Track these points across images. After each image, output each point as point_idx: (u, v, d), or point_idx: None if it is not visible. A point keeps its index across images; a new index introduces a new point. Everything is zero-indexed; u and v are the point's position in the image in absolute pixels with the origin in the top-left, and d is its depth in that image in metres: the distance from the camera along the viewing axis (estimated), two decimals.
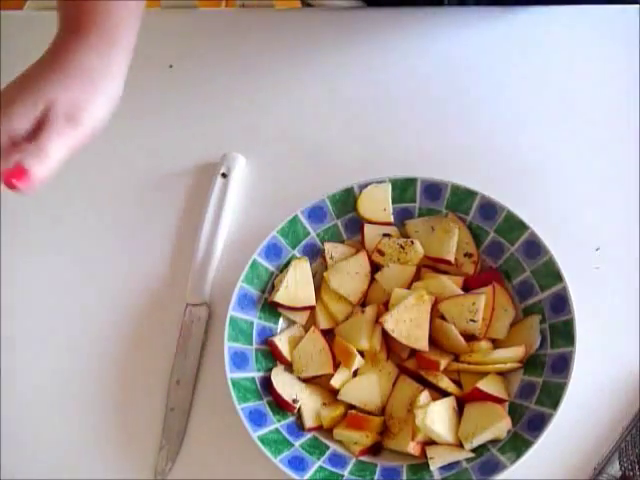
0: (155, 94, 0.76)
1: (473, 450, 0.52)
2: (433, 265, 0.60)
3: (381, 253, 0.59)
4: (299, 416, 0.56)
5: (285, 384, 0.56)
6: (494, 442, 0.52)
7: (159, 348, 0.62)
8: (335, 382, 0.55)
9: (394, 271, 0.58)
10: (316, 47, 0.77)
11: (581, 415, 0.54)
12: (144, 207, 0.70)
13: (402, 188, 0.61)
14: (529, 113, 0.69)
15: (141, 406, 0.60)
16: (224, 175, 0.68)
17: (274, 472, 0.54)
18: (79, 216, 0.71)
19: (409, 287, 0.58)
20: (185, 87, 0.77)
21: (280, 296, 0.58)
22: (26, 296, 0.67)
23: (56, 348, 0.64)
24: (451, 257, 0.58)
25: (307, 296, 0.59)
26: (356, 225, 0.62)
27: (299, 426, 0.56)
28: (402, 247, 0.58)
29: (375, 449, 0.55)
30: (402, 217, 0.61)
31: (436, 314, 0.56)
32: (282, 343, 0.58)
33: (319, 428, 0.56)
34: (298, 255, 0.61)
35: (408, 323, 0.54)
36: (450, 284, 0.56)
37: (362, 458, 0.54)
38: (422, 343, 0.54)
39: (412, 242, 0.58)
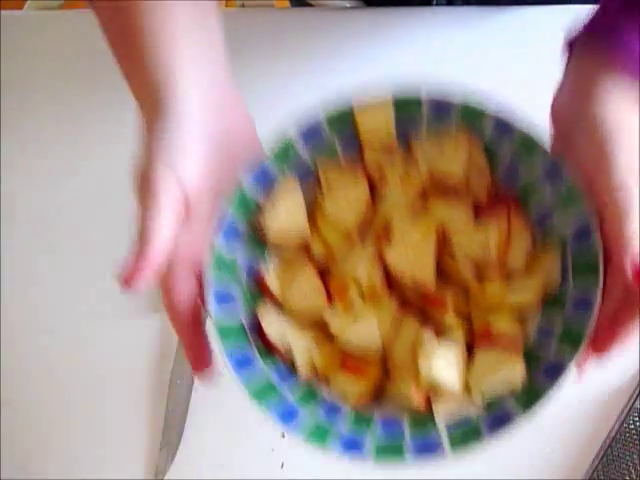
0: None
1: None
2: (441, 186, 0.52)
3: (383, 179, 0.52)
4: (291, 363, 0.50)
5: (275, 325, 0.50)
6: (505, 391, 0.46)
7: (159, 348, 0.62)
8: (330, 324, 0.49)
9: (396, 197, 0.51)
10: (316, 47, 0.77)
11: (580, 416, 0.54)
12: None
13: (406, 107, 0.52)
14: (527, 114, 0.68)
15: (141, 406, 0.60)
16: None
17: (274, 472, 0.54)
18: (78, 216, 0.71)
19: (413, 214, 0.51)
20: None
21: (269, 228, 0.51)
22: (26, 295, 0.67)
23: (56, 348, 0.64)
24: (459, 172, 0.50)
25: (299, 227, 0.52)
26: (353, 142, 0.53)
27: (290, 373, 0.50)
28: (405, 170, 0.52)
29: (375, 395, 0.49)
30: (406, 137, 0.53)
31: (444, 250, 0.50)
32: (271, 280, 0.51)
33: (314, 375, 0.50)
34: (287, 176, 0.53)
35: (412, 257, 0.48)
36: (460, 208, 0.50)
37: (360, 410, 0.48)
38: (426, 273, 0.48)
39: (416, 162, 0.51)
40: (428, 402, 0.47)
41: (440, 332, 0.48)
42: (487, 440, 0.44)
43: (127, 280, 0.41)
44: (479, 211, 0.51)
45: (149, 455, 0.58)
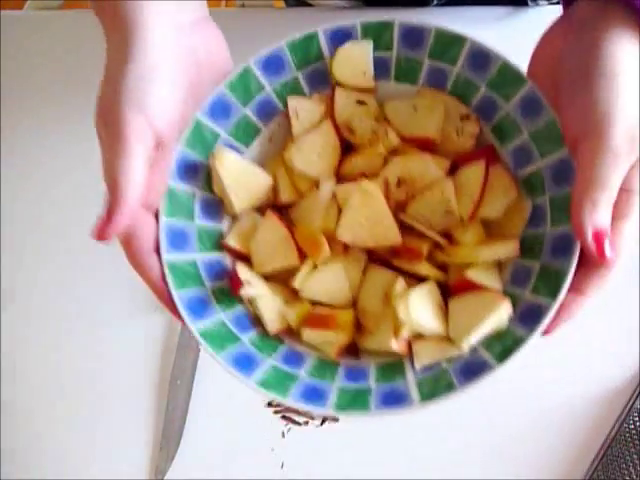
0: None
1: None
2: (415, 144, 0.49)
3: (351, 131, 0.49)
4: (255, 314, 0.47)
5: (242, 273, 0.46)
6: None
7: (159, 348, 0.62)
8: (297, 280, 0.46)
9: (361, 163, 0.49)
10: None
11: (580, 416, 0.54)
12: None
13: (376, 34, 0.50)
14: None
15: (141, 406, 0.60)
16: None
17: (274, 472, 0.54)
18: (78, 216, 0.71)
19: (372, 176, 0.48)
20: None
21: (233, 203, 0.48)
22: (26, 296, 0.67)
23: (56, 348, 0.64)
24: (434, 134, 0.48)
25: (258, 187, 0.49)
26: (321, 78, 0.51)
27: (252, 323, 0.47)
28: (374, 131, 0.49)
29: (355, 351, 0.46)
30: (376, 71, 0.50)
31: (404, 217, 0.47)
32: (235, 242, 0.48)
33: (286, 331, 0.47)
34: (249, 114, 0.50)
35: (366, 224, 0.45)
36: (422, 163, 0.47)
37: (325, 361, 0.46)
38: (392, 236, 0.45)
39: (386, 131, 0.48)
40: (410, 348, 0.44)
41: (410, 278, 0.46)
42: (459, 390, 0.41)
43: (101, 232, 0.40)
44: (456, 163, 0.48)
45: (149, 455, 0.58)
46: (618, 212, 0.39)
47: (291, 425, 0.58)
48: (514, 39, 0.63)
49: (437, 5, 0.75)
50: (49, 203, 0.69)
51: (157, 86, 0.42)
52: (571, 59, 0.42)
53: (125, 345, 0.63)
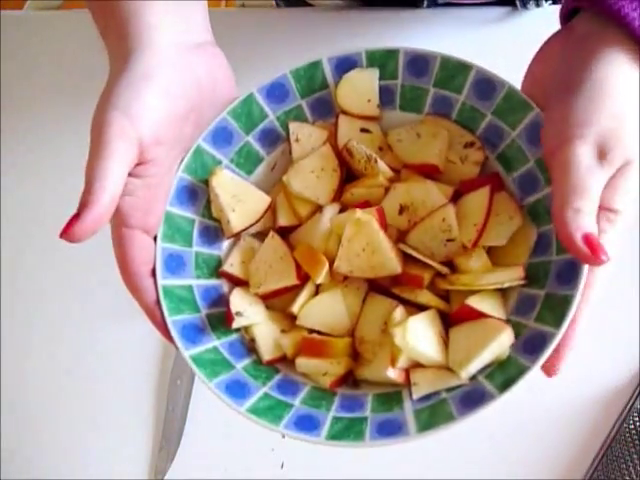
0: None
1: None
2: (417, 171, 0.49)
3: (350, 153, 0.48)
4: (250, 340, 0.47)
5: (237, 300, 0.46)
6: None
7: (159, 348, 0.62)
8: (295, 305, 0.45)
9: (362, 192, 0.48)
10: (316, 46, 0.77)
11: (580, 416, 0.54)
12: None
13: (381, 62, 0.49)
14: None
15: (141, 406, 0.60)
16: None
17: (274, 472, 0.54)
18: None
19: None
20: None
21: (232, 227, 0.47)
22: (26, 296, 0.67)
23: (56, 348, 0.64)
24: (436, 160, 0.47)
25: (256, 209, 0.48)
26: (325, 107, 0.51)
27: (246, 350, 0.46)
28: (368, 158, 0.48)
29: (352, 380, 0.45)
30: (381, 99, 0.50)
31: (404, 247, 0.45)
32: (233, 268, 0.48)
33: (281, 360, 0.46)
34: (251, 141, 0.49)
35: (363, 255, 0.44)
36: (429, 189, 0.46)
37: (320, 390, 0.45)
38: (390, 266, 0.43)
39: (376, 160, 0.47)
40: (407, 377, 0.43)
41: (411, 307, 0.44)
42: (458, 420, 0.39)
43: (68, 231, 0.39)
44: (460, 190, 0.47)
45: (149, 455, 0.58)
46: (601, 228, 0.37)
47: None
48: (510, 41, 0.63)
49: (430, 6, 0.74)
50: (49, 203, 0.69)
51: (148, 93, 0.41)
52: (561, 73, 0.42)
53: (125, 345, 0.63)
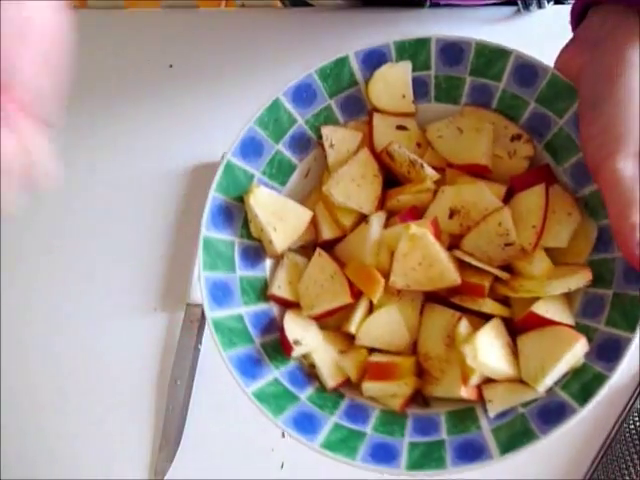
0: (155, 94, 0.76)
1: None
2: (463, 171, 0.46)
3: (391, 157, 0.45)
4: (311, 367, 0.44)
5: (291, 326, 0.43)
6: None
7: (159, 348, 0.62)
8: (352, 324, 0.43)
9: (409, 199, 0.45)
10: (317, 47, 0.77)
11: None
12: (144, 207, 0.70)
13: (412, 53, 0.46)
14: None
15: (141, 406, 0.60)
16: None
17: (274, 472, 0.54)
18: (78, 216, 0.71)
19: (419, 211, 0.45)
20: (185, 87, 0.77)
21: (274, 246, 0.44)
22: (26, 296, 0.67)
23: (56, 348, 0.64)
24: (485, 160, 0.44)
25: (298, 224, 0.45)
26: (355, 105, 0.48)
27: (306, 377, 0.44)
28: (412, 163, 0.45)
29: (422, 399, 0.43)
30: (414, 92, 0.47)
31: (460, 254, 0.43)
32: (281, 290, 0.45)
33: (345, 384, 0.43)
34: (282, 149, 0.46)
35: (419, 268, 0.41)
36: (480, 190, 0.43)
37: (392, 415, 0.42)
38: (449, 277, 0.41)
39: (422, 165, 0.44)
40: (480, 393, 0.40)
41: (471, 314, 0.42)
42: (542, 438, 0.37)
43: None
44: (512, 188, 0.44)
45: (149, 455, 0.58)
46: None
47: None
48: (513, 42, 0.63)
49: (432, 7, 0.74)
50: (48, 203, 0.69)
51: None
52: (588, 84, 0.40)
53: (125, 345, 0.62)
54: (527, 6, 0.69)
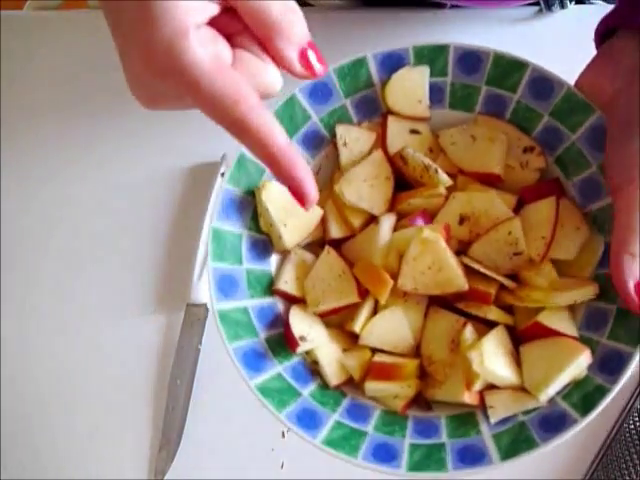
0: None
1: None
2: (476, 179, 0.47)
3: (404, 161, 0.46)
4: (314, 363, 0.44)
5: (296, 322, 0.44)
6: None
7: (159, 348, 0.62)
8: (356, 323, 0.43)
9: (420, 202, 0.46)
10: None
11: None
12: (143, 207, 0.70)
13: (430, 58, 0.46)
14: None
15: (141, 406, 0.60)
16: (224, 175, 0.68)
17: (274, 472, 0.54)
18: (78, 216, 0.71)
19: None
20: None
21: (284, 242, 0.45)
22: (26, 296, 0.67)
23: (55, 348, 0.64)
24: (498, 170, 0.45)
25: (307, 222, 0.46)
26: (370, 106, 0.48)
27: (309, 373, 0.44)
28: (426, 168, 0.45)
29: (424, 401, 0.43)
30: (429, 97, 0.48)
31: (468, 261, 0.44)
32: (287, 285, 0.45)
33: (348, 382, 0.44)
34: (295, 145, 0.46)
35: (428, 272, 0.42)
36: (491, 199, 0.44)
37: (393, 415, 0.43)
38: (457, 282, 0.41)
39: (436, 170, 0.45)
40: (482, 399, 0.41)
41: (480, 331, 0.42)
42: (542, 447, 0.38)
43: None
44: (522, 199, 0.45)
45: (149, 455, 0.58)
46: None
47: None
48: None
49: (439, 7, 0.74)
50: (48, 203, 0.69)
51: None
52: (622, 108, 0.41)
53: (125, 345, 0.62)
54: (549, 6, 0.69)
